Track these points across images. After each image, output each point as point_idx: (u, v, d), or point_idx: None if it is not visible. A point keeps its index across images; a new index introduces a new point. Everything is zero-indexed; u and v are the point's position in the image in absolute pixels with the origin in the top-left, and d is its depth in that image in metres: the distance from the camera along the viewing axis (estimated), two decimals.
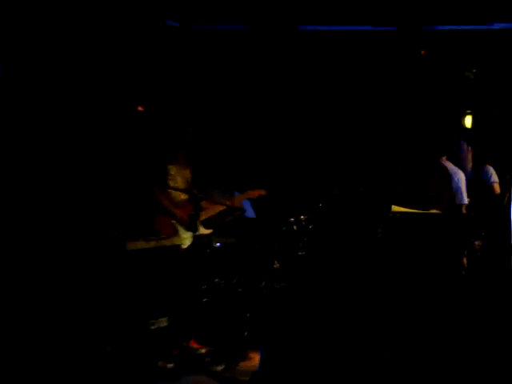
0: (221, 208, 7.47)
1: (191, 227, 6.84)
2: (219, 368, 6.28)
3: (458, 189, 7.52)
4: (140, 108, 8.13)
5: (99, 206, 7.54)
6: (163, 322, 6.56)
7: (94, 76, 7.60)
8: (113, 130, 7.93)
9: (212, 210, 7.50)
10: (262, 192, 7.74)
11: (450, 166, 7.65)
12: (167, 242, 7.04)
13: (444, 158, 7.66)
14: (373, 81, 8.73)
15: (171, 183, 7.30)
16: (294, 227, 7.24)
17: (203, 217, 7.35)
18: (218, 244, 7.15)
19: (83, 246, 6.97)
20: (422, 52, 8.28)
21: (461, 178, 7.59)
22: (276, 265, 7.08)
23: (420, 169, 7.18)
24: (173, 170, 7.32)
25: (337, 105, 8.95)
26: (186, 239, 7.20)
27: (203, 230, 7.31)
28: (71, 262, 6.92)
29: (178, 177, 7.38)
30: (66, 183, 7.33)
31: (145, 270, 6.74)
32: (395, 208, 6.44)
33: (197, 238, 6.84)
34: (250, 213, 8.21)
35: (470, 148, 8.45)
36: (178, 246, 7.11)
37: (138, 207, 7.52)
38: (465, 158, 8.47)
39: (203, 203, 7.10)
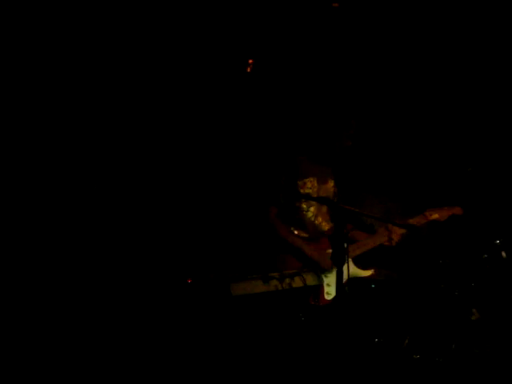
0: (399, 232, 5.24)
1: (334, 260, 4.40)
2: None
3: None
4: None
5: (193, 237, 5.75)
6: None
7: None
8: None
9: (375, 239, 5.25)
10: (457, 210, 5.43)
11: None
12: (296, 283, 4.89)
13: None
14: None
15: (304, 206, 5.25)
16: (503, 254, 4.92)
17: (359, 249, 5.16)
18: (373, 286, 5.06)
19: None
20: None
21: None
22: (475, 316, 4.92)
23: None
24: (307, 184, 5.25)
25: None
26: (328, 286, 4.99)
27: (359, 271, 5.11)
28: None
29: (315, 195, 5.28)
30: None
31: (258, 326, 4.94)
32: None
33: (346, 282, 4.47)
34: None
35: None
36: (317, 296, 4.95)
37: (249, 236, 5.59)
38: None
39: (356, 234, 5.24)
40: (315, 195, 5.20)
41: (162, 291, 5.36)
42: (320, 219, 5.20)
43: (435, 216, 5.29)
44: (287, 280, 4.82)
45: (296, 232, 5.15)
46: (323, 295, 4.94)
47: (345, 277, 4.33)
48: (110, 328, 5.28)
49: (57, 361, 5.13)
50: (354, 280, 4.95)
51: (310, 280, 4.91)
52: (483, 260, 4.97)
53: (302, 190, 5.18)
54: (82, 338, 5.23)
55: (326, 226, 5.20)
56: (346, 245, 4.40)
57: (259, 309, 4.87)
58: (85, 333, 5.26)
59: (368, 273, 5.09)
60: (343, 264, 4.34)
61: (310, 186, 5.22)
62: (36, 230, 5.56)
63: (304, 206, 5.19)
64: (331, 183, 5.28)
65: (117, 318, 5.31)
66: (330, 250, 4.87)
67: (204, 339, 5.06)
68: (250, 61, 6.12)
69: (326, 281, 4.95)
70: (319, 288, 4.93)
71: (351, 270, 4.85)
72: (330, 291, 4.91)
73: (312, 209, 5.20)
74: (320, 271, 4.97)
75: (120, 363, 5.18)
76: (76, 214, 5.68)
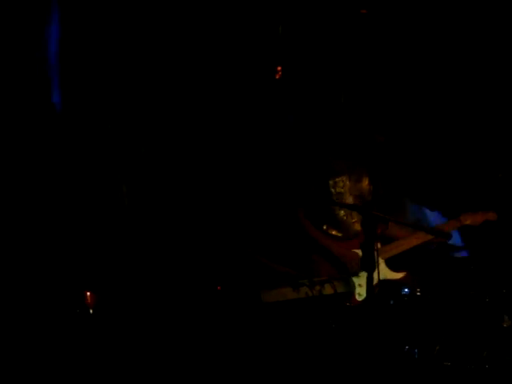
0: (424, 238, 5.16)
1: (364, 266, 4.36)
2: None
3: None
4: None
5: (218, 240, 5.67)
6: None
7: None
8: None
9: (409, 241, 5.20)
10: (492, 216, 5.31)
11: None
12: (327, 290, 4.86)
13: None
14: None
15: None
16: None
17: (392, 251, 5.13)
18: (406, 290, 4.84)
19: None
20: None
21: None
22: (506, 322, 4.78)
23: None
24: (339, 183, 5.17)
25: None
26: (360, 287, 4.95)
27: (390, 274, 5.07)
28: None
29: (347, 195, 5.19)
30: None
31: (289, 334, 4.84)
32: None
33: (376, 285, 4.40)
34: (457, 240, 5.60)
35: None
36: (348, 297, 4.92)
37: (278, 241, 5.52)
38: None
39: (393, 230, 5.13)
40: (347, 194, 5.15)
41: (192, 298, 5.32)
42: (353, 218, 5.15)
43: (469, 221, 5.23)
44: (317, 287, 4.79)
45: (329, 231, 5.12)
46: (354, 296, 4.91)
47: (375, 279, 4.30)
48: (130, 332, 5.27)
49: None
50: (385, 282, 4.88)
51: (341, 287, 4.87)
52: None
53: (333, 190, 5.14)
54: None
55: (359, 226, 5.14)
56: (379, 245, 4.36)
57: (290, 316, 4.85)
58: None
59: (399, 275, 5.04)
60: (373, 270, 4.31)
61: (341, 185, 5.16)
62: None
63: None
64: (366, 181, 5.22)
65: (142, 324, 5.29)
66: (359, 251, 4.79)
67: (233, 346, 5.03)
68: (279, 68, 6.10)
69: (357, 281, 4.91)
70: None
71: (382, 271, 4.77)
72: (361, 292, 4.88)
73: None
74: (350, 273, 4.94)
75: (138, 366, 5.17)
76: (114, 218, 5.71)
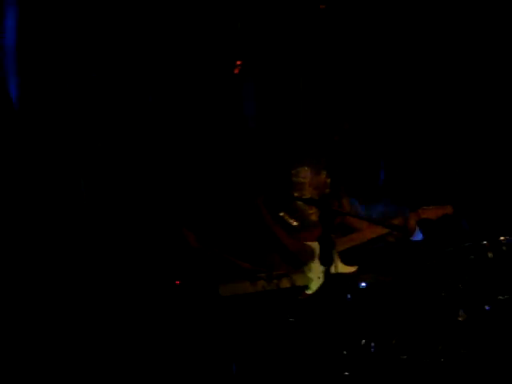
0: (381, 231, 5.19)
1: (322, 260, 4.37)
2: None
3: None
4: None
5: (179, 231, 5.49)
6: None
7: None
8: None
9: (364, 234, 5.23)
10: (449, 210, 5.33)
11: None
12: (284, 283, 4.89)
13: None
14: None
15: (297, 194, 5.21)
16: (490, 255, 4.81)
17: (346, 244, 5.12)
18: (364, 284, 4.87)
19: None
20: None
21: None
22: (461, 316, 4.79)
23: None
24: (301, 173, 5.21)
25: None
26: (313, 280, 4.91)
27: (343, 267, 5.02)
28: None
29: (307, 186, 5.21)
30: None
31: (247, 328, 4.83)
32: None
33: (331, 279, 4.36)
34: (417, 234, 5.60)
35: None
36: (301, 290, 4.91)
37: (235, 230, 5.40)
38: None
39: (350, 221, 5.19)
40: (307, 185, 5.17)
41: (151, 293, 5.30)
42: (311, 209, 5.15)
43: (427, 214, 5.24)
44: (275, 281, 4.82)
45: (285, 218, 5.12)
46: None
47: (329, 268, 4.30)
48: (98, 327, 5.24)
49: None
50: (338, 276, 4.84)
51: (299, 281, 4.89)
52: (470, 261, 4.93)
53: (294, 179, 5.16)
54: (78, 338, 5.21)
55: (316, 216, 5.14)
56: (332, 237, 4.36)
57: (248, 309, 4.86)
58: (79, 333, 5.23)
59: (350, 269, 5.04)
60: (331, 264, 4.33)
61: (303, 175, 5.19)
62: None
63: (297, 193, 5.17)
64: (323, 174, 5.25)
65: (106, 318, 5.27)
66: (312, 243, 4.87)
67: (193, 341, 5.02)
68: (238, 62, 6.10)
69: (312, 275, 4.94)
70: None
71: (335, 265, 4.70)
72: (312, 285, 4.90)
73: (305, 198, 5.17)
74: (301, 263, 4.95)
75: (110, 363, 5.15)
76: (72, 213, 5.65)
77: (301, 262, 4.96)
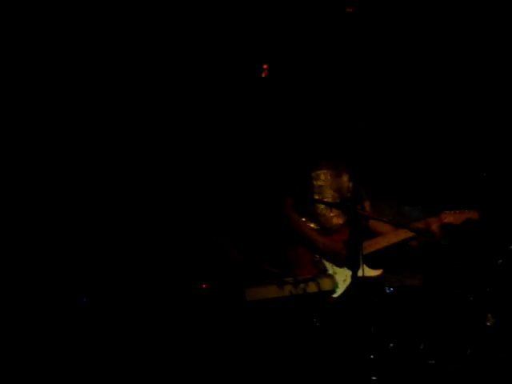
0: (405, 235, 5.12)
1: (348, 264, 4.46)
2: None
3: None
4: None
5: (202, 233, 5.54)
6: None
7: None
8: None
9: (388, 238, 5.16)
10: (474, 215, 5.27)
11: None
12: (311, 288, 4.83)
13: None
14: None
15: (317, 197, 5.22)
16: None
17: (371, 248, 5.08)
18: (392, 289, 4.91)
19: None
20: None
21: None
22: (490, 321, 4.81)
23: None
24: (321, 177, 5.21)
25: None
26: (338, 284, 4.93)
27: (368, 271, 5.00)
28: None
29: (328, 189, 5.21)
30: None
31: (272, 332, 4.82)
32: None
33: (357, 282, 4.39)
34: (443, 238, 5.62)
35: None
36: (327, 294, 4.89)
37: (260, 234, 5.48)
38: None
39: (373, 225, 5.12)
40: (328, 188, 5.17)
41: (177, 297, 5.32)
42: (332, 212, 5.16)
43: (450, 219, 5.21)
44: (301, 285, 4.78)
45: (307, 224, 5.12)
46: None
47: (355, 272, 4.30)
48: (120, 332, 5.26)
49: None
50: (363, 280, 4.77)
51: (325, 285, 4.86)
52: (498, 265, 4.91)
53: (315, 182, 5.16)
54: (85, 339, 5.18)
55: (337, 220, 5.17)
56: (360, 241, 4.34)
57: (274, 313, 4.85)
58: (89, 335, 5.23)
59: (376, 273, 5.02)
60: (358, 269, 4.33)
61: (323, 178, 5.18)
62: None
63: (317, 196, 5.16)
64: (345, 177, 5.25)
65: (128, 323, 5.28)
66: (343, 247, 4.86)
67: (218, 344, 5.03)
68: (265, 66, 6.10)
69: (339, 279, 4.93)
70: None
71: (363, 267, 4.67)
72: (338, 288, 4.89)
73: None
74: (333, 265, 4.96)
75: (128, 366, 5.16)
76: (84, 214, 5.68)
77: (330, 264, 4.97)
